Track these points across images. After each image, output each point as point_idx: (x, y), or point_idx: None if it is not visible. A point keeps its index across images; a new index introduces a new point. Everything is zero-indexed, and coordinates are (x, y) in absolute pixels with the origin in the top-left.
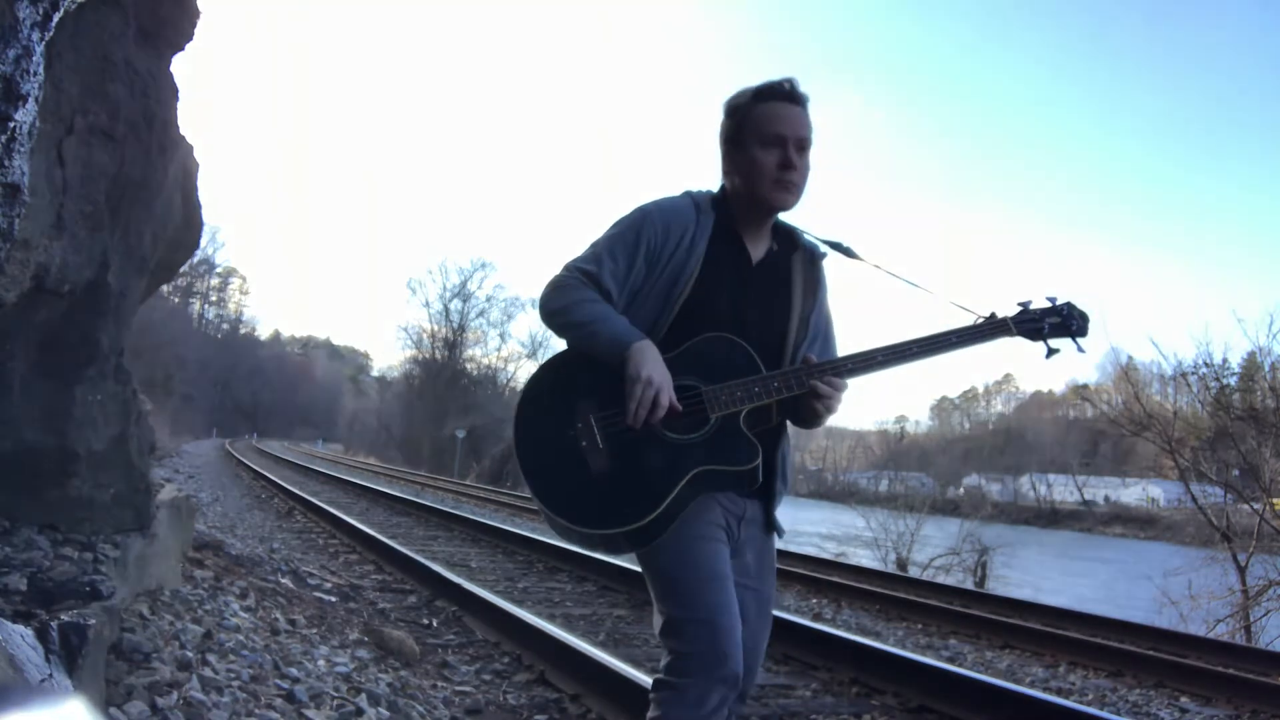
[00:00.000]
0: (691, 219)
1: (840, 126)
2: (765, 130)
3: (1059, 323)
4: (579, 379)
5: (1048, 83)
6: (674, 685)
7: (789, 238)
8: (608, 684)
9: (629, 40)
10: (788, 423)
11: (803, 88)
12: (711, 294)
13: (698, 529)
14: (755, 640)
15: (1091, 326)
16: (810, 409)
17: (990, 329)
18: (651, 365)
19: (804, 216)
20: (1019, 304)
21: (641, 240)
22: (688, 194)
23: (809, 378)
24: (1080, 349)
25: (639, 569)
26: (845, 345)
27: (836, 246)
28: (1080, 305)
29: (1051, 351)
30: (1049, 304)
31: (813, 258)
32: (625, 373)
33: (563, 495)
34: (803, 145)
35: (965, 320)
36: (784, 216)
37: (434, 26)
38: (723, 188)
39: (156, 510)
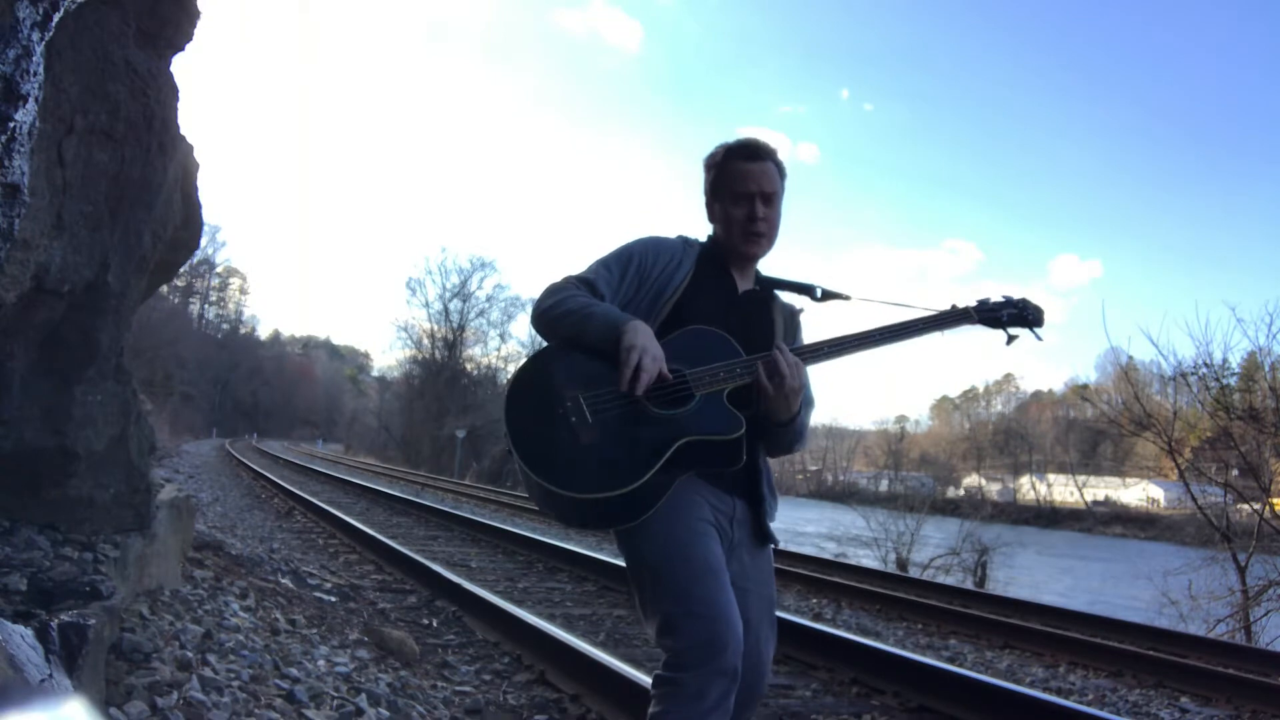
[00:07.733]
0: (680, 249)
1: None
2: (736, 189)
3: (1016, 314)
4: (568, 364)
5: (1045, 77)
6: (672, 680)
7: (769, 287)
8: (608, 684)
9: (618, 40)
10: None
11: (766, 144)
12: (698, 304)
13: (687, 523)
14: (762, 644)
15: (1046, 318)
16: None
17: (953, 316)
18: (645, 337)
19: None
20: (978, 299)
21: (634, 259)
22: (680, 236)
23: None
24: (1038, 338)
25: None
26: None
27: (809, 291)
28: (1034, 301)
29: (1011, 338)
30: (1004, 299)
31: (790, 313)
32: (620, 345)
33: (550, 462)
34: (769, 199)
35: (932, 310)
36: (761, 264)
37: (433, 26)
38: (711, 235)
39: (156, 510)
